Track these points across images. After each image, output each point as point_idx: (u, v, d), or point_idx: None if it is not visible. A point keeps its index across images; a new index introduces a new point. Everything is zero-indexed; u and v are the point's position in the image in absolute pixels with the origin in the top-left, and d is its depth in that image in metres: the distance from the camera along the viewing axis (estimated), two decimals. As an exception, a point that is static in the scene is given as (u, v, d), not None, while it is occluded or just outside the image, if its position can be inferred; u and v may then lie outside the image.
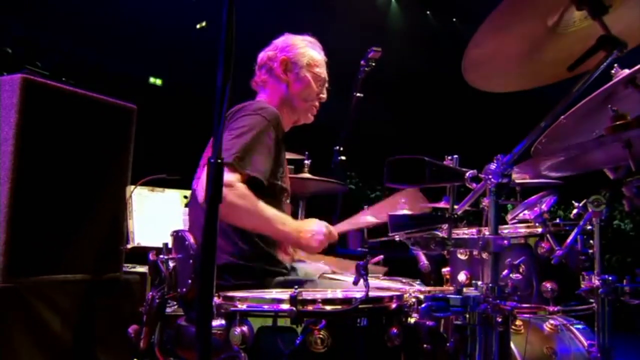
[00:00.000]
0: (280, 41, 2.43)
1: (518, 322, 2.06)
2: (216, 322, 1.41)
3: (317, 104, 2.43)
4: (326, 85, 2.44)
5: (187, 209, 2.47)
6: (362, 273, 1.44)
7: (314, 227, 2.11)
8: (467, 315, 1.46)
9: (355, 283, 1.46)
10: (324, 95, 2.43)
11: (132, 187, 3.09)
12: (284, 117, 2.30)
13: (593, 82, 1.46)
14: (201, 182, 2.03)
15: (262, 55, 2.42)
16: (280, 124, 2.18)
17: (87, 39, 6.68)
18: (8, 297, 2.38)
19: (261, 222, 2.04)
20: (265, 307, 1.44)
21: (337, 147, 3.15)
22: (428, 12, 9.28)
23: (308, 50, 2.39)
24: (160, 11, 6.88)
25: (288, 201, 2.32)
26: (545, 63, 1.68)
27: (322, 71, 2.41)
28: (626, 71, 1.62)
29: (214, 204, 1.20)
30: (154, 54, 7.12)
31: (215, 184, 1.21)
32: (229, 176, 1.95)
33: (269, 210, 2.05)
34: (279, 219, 2.08)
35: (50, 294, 2.53)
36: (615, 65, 1.60)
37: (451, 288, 1.95)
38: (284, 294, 1.51)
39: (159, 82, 7.67)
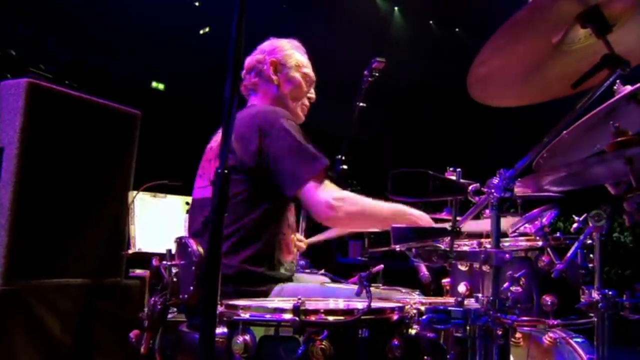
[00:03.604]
0: (266, 45, 2.48)
1: (518, 335, 2.06)
2: (218, 331, 1.41)
3: (307, 102, 2.49)
4: (313, 84, 2.50)
5: (187, 215, 2.48)
6: (364, 284, 1.45)
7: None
8: (468, 328, 1.47)
9: (358, 294, 1.47)
10: (312, 95, 2.50)
11: (134, 192, 3.10)
12: None
13: (595, 97, 1.47)
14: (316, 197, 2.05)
15: (250, 60, 2.47)
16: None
17: (88, 42, 6.70)
18: (9, 300, 2.39)
19: (378, 217, 2.14)
20: (268, 316, 1.44)
21: (339, 156, 3.16)
22: (431, 22, 9.32)
23: (294, 52, 2.46)
24: (163, 15, 6.90)
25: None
26: (549, 79, 1.69)
27: (310, 71, 2.47)
28: (628, 87, 1.63)
29: (219, 213, 1.21)
30: (156, 59, 7.14)
31: (221, 194, 1.22)
32: (333, 191, 2.06)
33: (378, 203, 2.13)
34: (392, 208, 2.13)
35: (51, 298, 2.54)
36: (618, 81, 1.61)
37: (451, 299, 1.96)
38: (286, 303, 1.52)
39: (161, 86, 7.68)
